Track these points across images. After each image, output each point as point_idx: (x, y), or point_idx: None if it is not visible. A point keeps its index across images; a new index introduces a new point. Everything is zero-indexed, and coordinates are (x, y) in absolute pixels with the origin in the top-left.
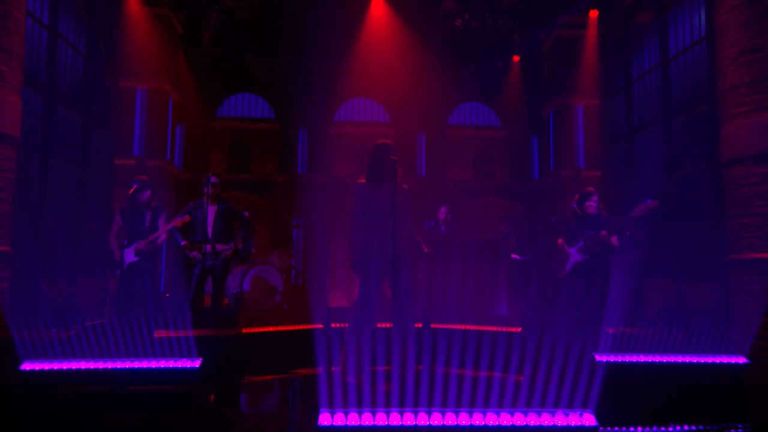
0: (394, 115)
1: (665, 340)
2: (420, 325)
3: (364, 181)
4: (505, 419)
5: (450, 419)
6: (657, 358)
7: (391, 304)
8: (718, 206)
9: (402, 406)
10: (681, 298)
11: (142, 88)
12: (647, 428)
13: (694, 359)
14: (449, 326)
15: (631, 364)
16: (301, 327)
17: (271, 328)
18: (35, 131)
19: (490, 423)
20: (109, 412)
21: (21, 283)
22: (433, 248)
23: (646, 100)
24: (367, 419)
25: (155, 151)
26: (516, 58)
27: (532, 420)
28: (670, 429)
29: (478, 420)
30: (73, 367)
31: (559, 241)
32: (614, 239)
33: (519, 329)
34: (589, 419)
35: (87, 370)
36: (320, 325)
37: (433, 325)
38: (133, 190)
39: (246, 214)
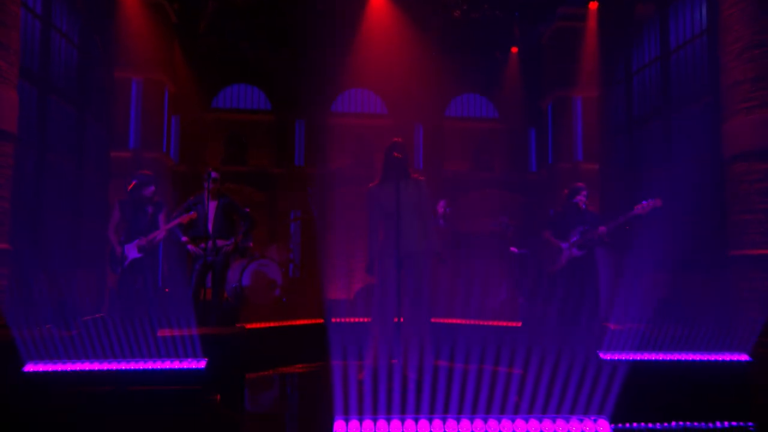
0: (392, 106)
1: (667, 337)
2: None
3: (376, 183)
4: (520, 426)
5: (465, 427)
6: (660, 356)
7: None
8: (719, 201)
9: (417, 413)
10: (681, 293)
11: (137, 79)
12: (650, 425)
13: (697, 357)
14: (450, 321)
15: (635, 362)
16: (305, 322)
17: (273, 324)
18: (30, 124)
19: (504, 430)
20: (114, 412)
21: (20, 281)
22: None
23: (645, 93)
24: (381, 427)
25: (151, 143)
26: (514, 50)
27: (547, 427)
28: (673, 425)
29: (493, 427)
30: (78, 369)
31: (546, 235)
32: (606, 235)
33: (519, 323)
34: (603, 426)
35: (92, 372)
36: (330, 320)
37: (433, 320)
38: (134, 184)
39: (247, 210)
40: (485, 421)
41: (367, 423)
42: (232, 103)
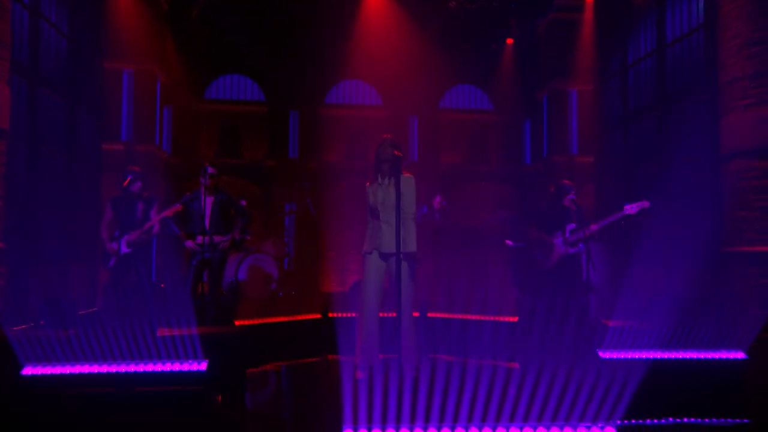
0: (387, 97)
1: (663, 335)
2: (417, 315)
3: (371, 180)
4: None
5: None
6: (657, 355)
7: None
8: (715, 197)
9: (427, 422)
10: (676, 290)
11: (128, 70)
12: (647, 421)
13: (694, 355)
14: (446, 315)
15: (633, 360)
16: (303, 317)
17: (272, 320)
18: (20, 118)
19: None
20: (114, 415)
21: (15, 280)
22: (428, 236)
23: (641, 86)
24: None
25: (144, 135)
26: (510, 41)
27: None
28: (670, 421)
29: None
30: (77, 371)
31: (535, 232)
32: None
33: (515, 318)
34: None
35: (91, 375)
36: (328, 314)
37: (430, 314)
38: (127, 181)
39: (243, 202)
40: (493, 429)
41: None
42: (225, 94)
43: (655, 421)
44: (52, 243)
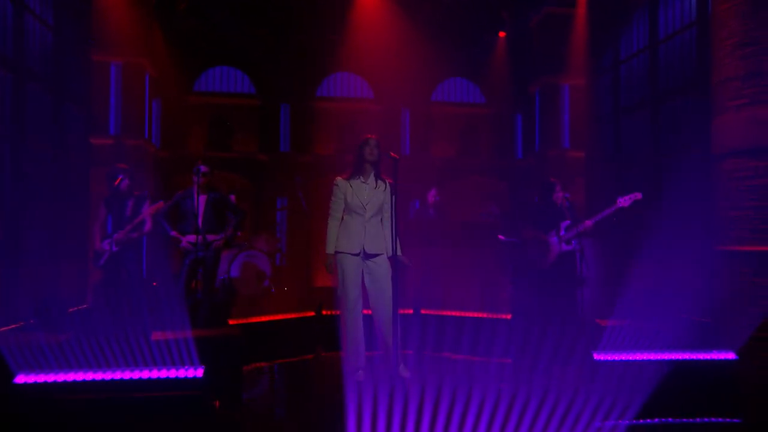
0: (378, 90)
1: (654, 335)
2: (411, 311)
3: (346, 176)
4: None
5: None
6: (650, 356)
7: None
8: (708, 195)
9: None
10: (665, 288)
11: (116, 63)
12: (638, 422)
13: (685, 356)
14: (440, 312)
15: (627, 362)
16: (297, 315)
17: (266, 318)
18: (5, 112)
19: None
20: (110, 421)
21: (1, 279)
22: (423, 232)
23: (633, 82)
24: None
25: (133, 129)
26: (502, 34)
27: None
28: (663, 421)
29: None
30: (70, 379)
31: (529, 231)
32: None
33: (509, 316)
34: None
35: (86, 383)
36: (321, 312)
37: (423, 311)
38: (118, 181)
39: (232, 197)
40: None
41: None
42: (213, 87)
43: (648, 421)
44: (39, 239)
